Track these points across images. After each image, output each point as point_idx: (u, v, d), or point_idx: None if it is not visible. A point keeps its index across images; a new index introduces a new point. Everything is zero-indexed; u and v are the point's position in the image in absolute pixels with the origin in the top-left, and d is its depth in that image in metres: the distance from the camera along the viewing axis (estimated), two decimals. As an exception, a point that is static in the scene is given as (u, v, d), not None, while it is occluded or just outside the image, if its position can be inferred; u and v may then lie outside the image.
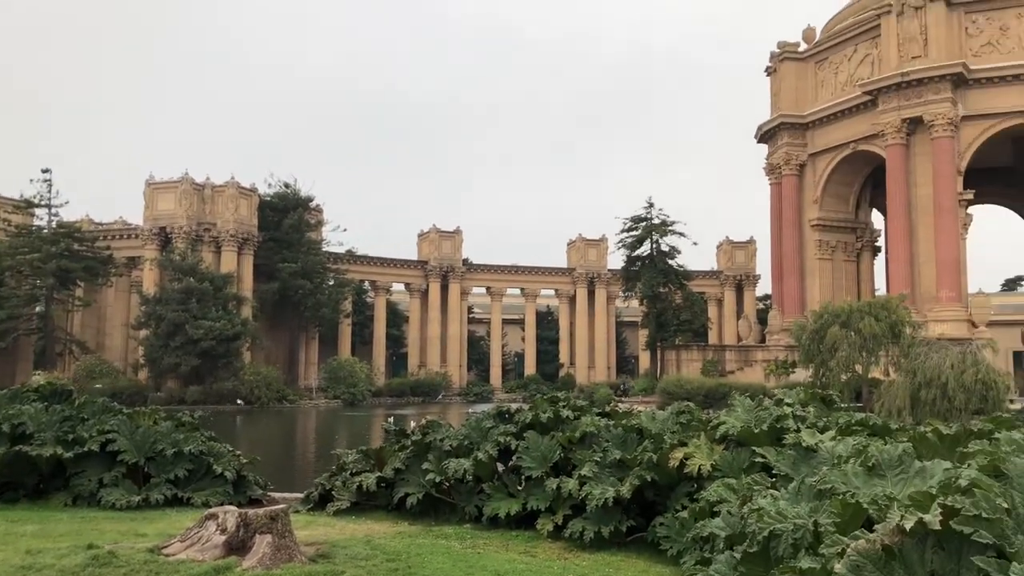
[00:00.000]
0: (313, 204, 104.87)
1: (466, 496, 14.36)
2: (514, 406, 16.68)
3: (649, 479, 12.22)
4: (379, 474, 15.57)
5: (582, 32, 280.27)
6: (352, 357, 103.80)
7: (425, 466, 14.83)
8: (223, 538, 10.56)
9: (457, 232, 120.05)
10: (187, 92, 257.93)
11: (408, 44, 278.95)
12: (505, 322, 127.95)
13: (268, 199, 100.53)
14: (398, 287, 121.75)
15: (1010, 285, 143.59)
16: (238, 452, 17.75)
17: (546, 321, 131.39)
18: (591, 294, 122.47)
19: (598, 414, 15.58)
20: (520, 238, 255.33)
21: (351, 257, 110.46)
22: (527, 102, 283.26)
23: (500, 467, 14.52)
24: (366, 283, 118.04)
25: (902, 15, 75.22)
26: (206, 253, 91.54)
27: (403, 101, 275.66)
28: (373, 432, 51.94)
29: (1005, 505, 4.03)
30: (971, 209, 76.49)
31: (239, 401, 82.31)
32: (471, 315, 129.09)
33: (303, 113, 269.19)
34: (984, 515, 4.03)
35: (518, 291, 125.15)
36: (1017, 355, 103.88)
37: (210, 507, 13.09)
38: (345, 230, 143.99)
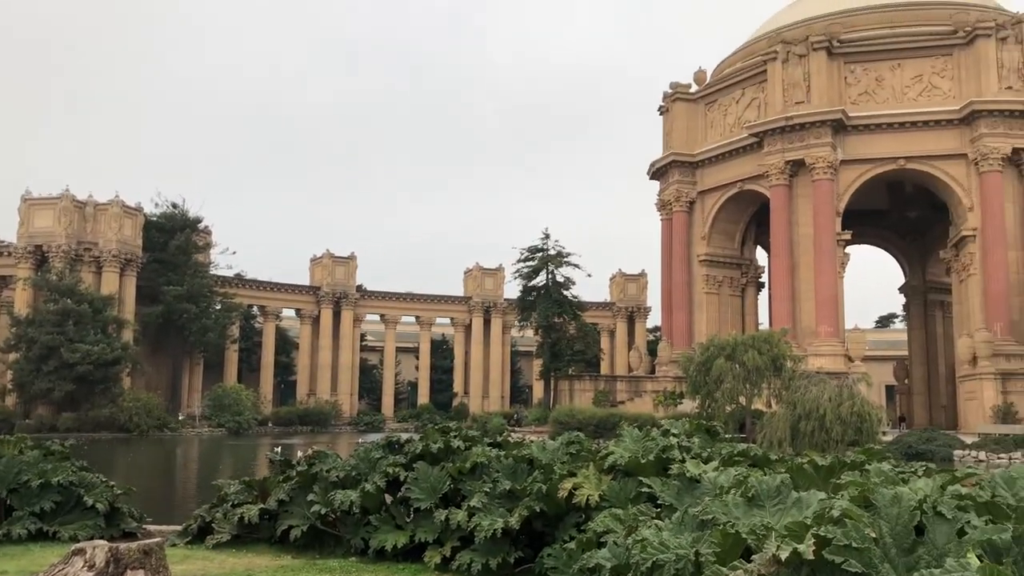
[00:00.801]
0: (202, 225, 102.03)
1: (352, 528, 14.02)
2: (405, 436, 16.46)
3: (538, 510, 12.20)
4: (262, 506, 15.05)
5: (485, 61, 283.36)
6: (238, 384, 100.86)
7: (310, 497, 14.43)
8: (91, 575, 9.97)
9: (352, 258, 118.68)
10: (72, 106, 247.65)
11: (309, 65, 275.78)
12: (399, 350, 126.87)
13: (154, 219, 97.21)
14: (288, 313, 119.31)
15: (883, 322, 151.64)
16: (112, 483, 16.87)
17: (441, 350, 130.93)
18: (487, 323, 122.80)
19: (490, 444, 15.50)
20: (417, 266, 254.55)
21: (240, 281, 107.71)
22: (424, 130, 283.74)
23: (389, 498, 14.25)
24: (255, 308, 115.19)
25: (787, 62, 78.97)
26: (86, 274, 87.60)
27: (301, 124, 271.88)
28: (258, 462, 50.37)
29: (873, 535, 4.19)
30: (848, 249, 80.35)
31: (117, 429, 78.66)
32: (364, 343, 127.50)
33: (196, 133, 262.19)
34: (854, 545, 4.17)
35: (413, 319, 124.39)
36: (889, 389, 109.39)
37: (79, 541, 12.37)
38: (235, 253, 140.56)
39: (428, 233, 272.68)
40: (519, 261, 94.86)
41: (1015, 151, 73.40)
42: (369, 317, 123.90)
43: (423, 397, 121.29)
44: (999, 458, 52.12)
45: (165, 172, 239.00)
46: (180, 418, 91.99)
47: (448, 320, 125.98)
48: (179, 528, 16.35)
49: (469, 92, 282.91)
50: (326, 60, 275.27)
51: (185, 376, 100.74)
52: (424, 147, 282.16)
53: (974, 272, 74.38)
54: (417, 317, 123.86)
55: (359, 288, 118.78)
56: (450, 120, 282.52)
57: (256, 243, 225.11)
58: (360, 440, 44.12)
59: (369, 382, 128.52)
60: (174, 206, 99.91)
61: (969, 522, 4.49)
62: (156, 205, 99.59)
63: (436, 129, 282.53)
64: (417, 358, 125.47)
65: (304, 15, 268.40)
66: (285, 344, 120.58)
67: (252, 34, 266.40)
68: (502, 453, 14.69)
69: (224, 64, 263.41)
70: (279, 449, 43.75)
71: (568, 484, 11.83)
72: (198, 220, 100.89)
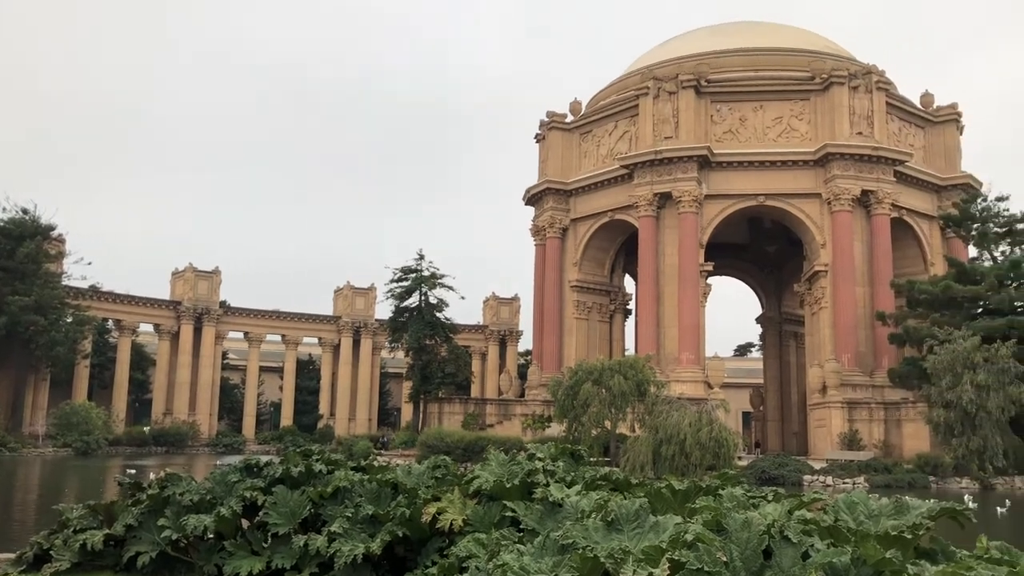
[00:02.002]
0: (55, 233, 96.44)
1: (206, 554, 13.40)
2: (265, 459, 15.90)
3: (401, 535, 11.99)
4: (108, 531, 14.18)
5: (369, 77, 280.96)
6: (88, 402, 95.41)
7: (161, 522, 13.71)
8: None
9: (216, 272, 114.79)
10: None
11: (186, 73, 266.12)
12: (263, 370, 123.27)
13: (1, 225, 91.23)
14: (146, 328, 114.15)
15: (741, 351, 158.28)
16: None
17: (307, 370, 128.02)
18: (356, 343, 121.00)
19: (353, 468, 15.18)
20: (286, 283, 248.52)
21: (95, 293, 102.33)
22: (299, 144, 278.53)
23: (246, 523, 13.71)
24: (110, 322, 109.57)
25: (658, 98, 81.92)
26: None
27: (178, 137, 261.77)
28: (107, 485, 47.67)
29: (724, 559, 4.31)
30: (710, 280, 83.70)
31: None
32: (226, 361, 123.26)
33: (55, 134, 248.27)
34: (706, 568, 4.27)
35: (279, 338, 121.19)
36: (746, 415, 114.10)
37: None
38: (90, 263, 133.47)
39: (298, 250, 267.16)
40: (392, 281, 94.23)
41: (864, 192, 78.34)
42: (232, 335, 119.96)
43: (287, 419, 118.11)
44: (844, 483, 55.12)
45: (19, 179, 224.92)
46: (22, 437, 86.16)
47: (316, 340, 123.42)
48: (12, 556, 15.22)
49: (351, 107, 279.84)
50: (200, 64, 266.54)
51: (29, 392, 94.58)
52: (298, 161, 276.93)
53: (825, 305, 78.67)
54: (283, 336, 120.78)
55: (223, 304, 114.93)
56: (328, 135, 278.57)
57: (117, 256, 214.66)
58: (218, 462, 42.39)
59: (230, 402, 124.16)
60: (24, 212, 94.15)
61: (813, 545, 4.68)
62: (3, 210, 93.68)
63: (311, 144, 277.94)
64: (282, 378, 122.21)
65: (178, 16, 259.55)
66: (141, 361, 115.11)
67: (118, 37, 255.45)
68: (366, 477, 14.42)
69: (90, 65, 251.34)
70: (134, 471, 41.60)
71: (432, 509, 11.69)
72: (51, 227, 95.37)
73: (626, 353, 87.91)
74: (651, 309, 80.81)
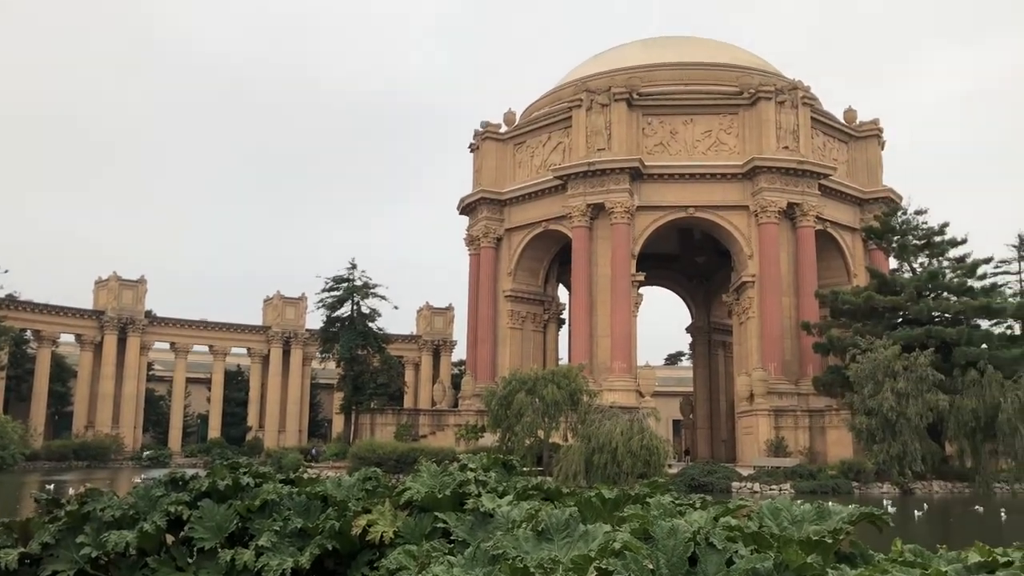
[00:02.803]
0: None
1: (127, 571, 12.98)
2: (191, 472, 15.52)
3: (331, 548, 11.80)
4: (23, 550, 13.63)
5: (305, 81, 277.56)
6: (4, 415, 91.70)
7: (80, 539, 13.23)
8: None
9: (141, 281, 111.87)
10: None
11: (111, 70, 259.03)
12: (190, 381, 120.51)
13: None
14: (68, 338, 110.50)
15: (672, 360, 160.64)
16: None
17: (236, 381, 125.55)
18: (286, 354, 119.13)
19: (283, 481, 14.87)
20: (214, 292, 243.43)
21: (12, 302, 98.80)
22: (229, 151, 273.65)
23: (170, 539, 13.34)
24: (29, 332, 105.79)
25: (591, 110, 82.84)
26: None
27: (95, 137, 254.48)
28: (24, 502, 45.92)
29: (651, 566, 4.36)
30: (642, 290, 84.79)
31: None
32: (151, 372, 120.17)
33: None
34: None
35: (206, 348, 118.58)
36: (676, 423, 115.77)
37: None
38: (7, 272, 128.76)
39: (228, 259, 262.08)
40: (323, 291, 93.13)
41: (790, 205, 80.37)
42: (158, 345, 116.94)
43: (215, 431, 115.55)
44: (771, 489, 56.32)
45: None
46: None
47: (245, 350, 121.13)
48: (-80, 578, 14.54)
49: (285, 112, 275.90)
50: (127, 61, 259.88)
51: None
52: (228, 167, 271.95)
53: (752, 315, 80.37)
54: (211, 346, 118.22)
55: (148, 314, 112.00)
56: (260, 141, 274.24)
57: (37, 266, 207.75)
58: (142, 476, 41.23)
59: (156, 414, 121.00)
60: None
61: (737, 551, 4.77)
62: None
63: (243, 149, 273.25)
64: (209, 389, 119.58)
65: (102, 9, 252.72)
66: (62, 372, 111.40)
67: (36, 32, 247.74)
68: (295, 490, 14.16)
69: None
70: (51, 487, 40.17)
71: (362, 521, 11.56)
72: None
73: (560, 362, 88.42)
74: (584, 319, 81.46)
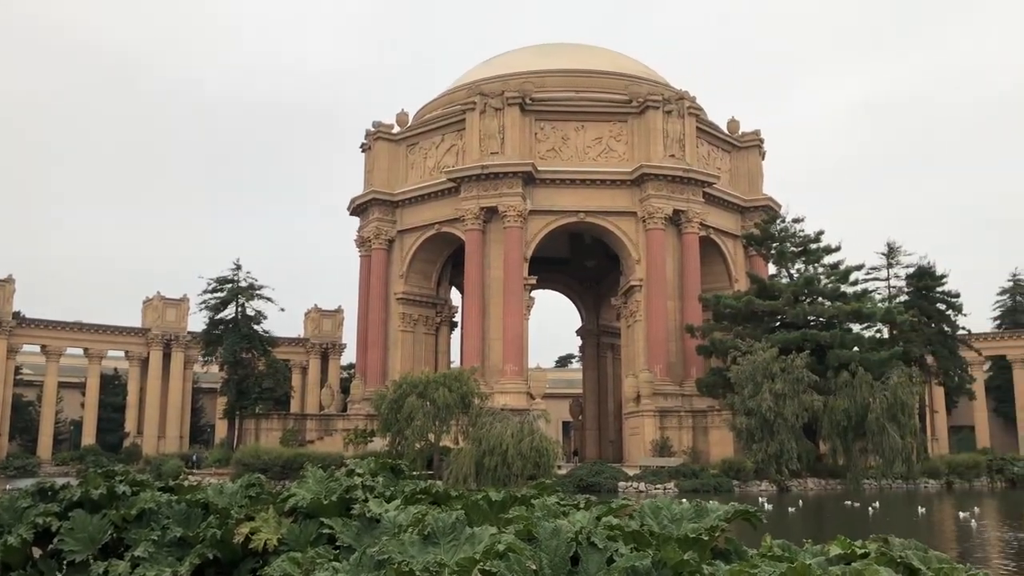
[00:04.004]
0: None
1: (-10, 588, 12.29)
2: (61, 481, 14.78)
3: (212, 557, 11.45)
4: None
5: (193, 76, 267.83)
6: None
7: (-64, 556, 12.45)
8: None
9: (9, 280, 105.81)
10: None
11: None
12: (62, 385, 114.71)
13: None
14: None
15: (562, 362, 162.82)
16: None
17: (112, 385, 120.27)
18: (167, 357, 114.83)
19: (161, 489, 14.34)
20: (90, 293, 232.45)
21: None
22: (109, 148, 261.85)
23: (38, 552, 12.69)
24: None
25: (484, 113, 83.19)
26: None
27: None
28: None
29: (534, 567, 4.43)
30: (534, 293, 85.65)
31: None
32: (19, 376, 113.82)
33: None
34: (516, 577, 4.38)
35: (80, 351, 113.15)
36: (566, 424, 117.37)
37: None
38: None
39: (105, 258, 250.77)
40: (206, 292, 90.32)
41: (676, 212, 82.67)
42: (27, 348, 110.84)
43: (89, 437, 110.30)
44: (656, 488, 57.78)
45: None
46: None
47: (122, 353, 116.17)
48: None
49: (170, 106, 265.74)
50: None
51: None
52: (108, 162, 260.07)
53: (640, 318, 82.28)
54: (85, 349, 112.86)
55: (16, 315, 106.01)
56: (144, 136, 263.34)
57: None
58: (7, 487, 38.94)
59: (24, 421, 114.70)
60: None
61: (618, 550, 4.89)
62: None
63: (124, 144, 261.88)
64: (84, 394, 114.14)
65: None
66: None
67: None
68: (174, 498, 13.70)
69: None
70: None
71: (245, 528, 11.28)
72: None
73: (452, 365, 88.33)
74: (476, 322, 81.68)
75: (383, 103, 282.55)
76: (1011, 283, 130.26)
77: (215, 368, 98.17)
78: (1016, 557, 27.68)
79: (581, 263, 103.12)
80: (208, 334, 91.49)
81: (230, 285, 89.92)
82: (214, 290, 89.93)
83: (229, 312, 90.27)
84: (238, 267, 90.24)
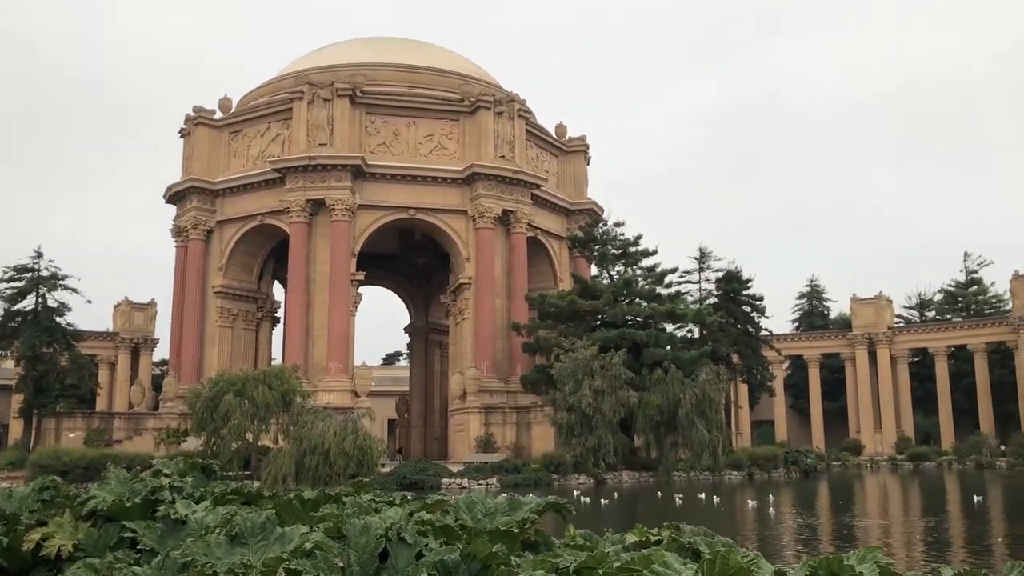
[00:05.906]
0: None
1: None
2: None
3: (-2, 567, 10.62)
4: None
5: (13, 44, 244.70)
6: None
7: None
8: None
9: None
10: None
11: None
12: None
13: None
14: None
15: (390, 359, 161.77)
16: None
17: None
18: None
19: (-60, 494, 13.17)
20: None
21: None
22: None
23: None
24: None
25: (312, 103, 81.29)
26: None
27: None
28: None
29: (341, 564, 4.40)
30: (361, 289, 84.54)
31: None
32: None
33: None
34: (323, 575, 4.34)
35: None
36: (392, 422, 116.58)
37: None
38: None
39: None
40: (1, 281, 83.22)
41: (505, 212, 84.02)
42: None
43: None
44: (479, 484, 58.48)
45: None
46: None
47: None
48: None
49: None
50: None
51: None
52: None
53: (468, 316, 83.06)
54: None
55: None
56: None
57: None
58: None
59: None
60: None
61: (427, 545, 4.94)
62: None
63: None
64: None
65: None
66: None
67: None
68: (-45, 504, 12.60)
69: None
70: None
71: (36, 535, 10.52)
72: None
73: (273, 362, 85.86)
74: (300, 317, 79.76)
75: (207, 90, 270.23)
76: (808, 288, 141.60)
77: (10, 363, 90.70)
78: (805, 543, 30.08)
79: (411, 260, 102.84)
80: (3, 326, 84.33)
81: (30, 274, 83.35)
82: (11, 279, 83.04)
83: (28, 303, 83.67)
84: (39, 255, 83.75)
